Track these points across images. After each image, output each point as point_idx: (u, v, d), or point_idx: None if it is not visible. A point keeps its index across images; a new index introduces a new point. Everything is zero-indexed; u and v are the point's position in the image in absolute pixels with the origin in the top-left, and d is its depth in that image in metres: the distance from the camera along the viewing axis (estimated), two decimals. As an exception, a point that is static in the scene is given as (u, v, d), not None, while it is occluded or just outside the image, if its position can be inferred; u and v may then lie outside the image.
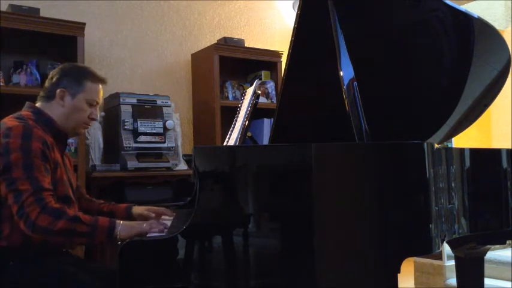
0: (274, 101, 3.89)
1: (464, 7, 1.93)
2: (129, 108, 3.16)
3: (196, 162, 1.41)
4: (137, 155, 3.14)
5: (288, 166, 1.40)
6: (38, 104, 1.80)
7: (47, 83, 1.82)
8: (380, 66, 1.87)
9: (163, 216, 1.93)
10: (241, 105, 2.01)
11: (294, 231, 1.38)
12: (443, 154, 1.59)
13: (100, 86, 1.85)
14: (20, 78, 3.07)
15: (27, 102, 1.80)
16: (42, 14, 3.14)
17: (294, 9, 4.34)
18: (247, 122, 1.85)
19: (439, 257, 3.18)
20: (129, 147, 3.11)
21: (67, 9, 3.42)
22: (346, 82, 1.54)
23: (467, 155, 1.78)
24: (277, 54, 4.02)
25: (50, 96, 1.78)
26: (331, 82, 1.62)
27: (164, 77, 3.84)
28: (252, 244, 1.38)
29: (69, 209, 1.60)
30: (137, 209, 1.95)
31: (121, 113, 3.13)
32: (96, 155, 3.24)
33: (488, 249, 2.10)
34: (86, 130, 3.15)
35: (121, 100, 3.16)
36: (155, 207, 1.98)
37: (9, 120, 1.67)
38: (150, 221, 1.74)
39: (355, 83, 1.55)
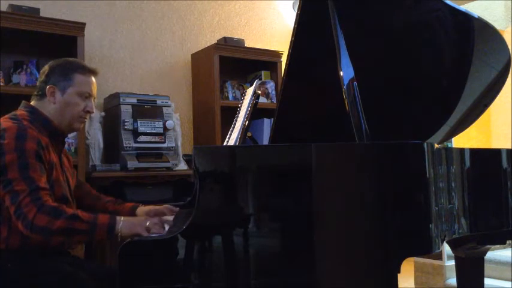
0: (274, 101, 3.88)
1: (464, 7, 1.93)
2: (129, 108, 3.16)
3: (196, 162, 1.40)
4: (137, 155, 3.14)
5: (288, 166, 1.40)
6: (32, 103, 1.78)
7: (38, 81, 1.81)
8: (380, 66, 1.87)
9: (164, 217, 1.93)
10: (241, 105, 2.01)
11: (294, 231, 1.38)
12: (443, 154, 1.59)
13: (92, 77, 1.81)
14: (20, 78, 3.07)
15: (22, 102, 1.79)
16: (42, 14, 3.13)
17: (294, 9, 4.34)
18: (247, 122, 1.85)
19: (439, 257, 3.18)
20: (129, 147, 3.11)
21: (67, 9, 3.42)
22: (346, 82, 1.54)
23: (467, 155, 1.78)
24: (277, 54, 4.01)
25: (41, 94, 1.76)
26: (331, 82, 1.62)
27: (164, 77, 3.83)
28: (252, 244, 1.38)
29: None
30: (142, 209, 1.93)
31: (121, 113, 3.13)
32: (96, 155, 3.24)
33: (488, 249, 2.09)
34: (86, 130, 3.17)
35: (121, 100, 3.16)
36: (158, 207, 1.95)
37: (3, 121, 1.65)
38: (153, 219, 1.69)
39: (355, 83, 1.55)
